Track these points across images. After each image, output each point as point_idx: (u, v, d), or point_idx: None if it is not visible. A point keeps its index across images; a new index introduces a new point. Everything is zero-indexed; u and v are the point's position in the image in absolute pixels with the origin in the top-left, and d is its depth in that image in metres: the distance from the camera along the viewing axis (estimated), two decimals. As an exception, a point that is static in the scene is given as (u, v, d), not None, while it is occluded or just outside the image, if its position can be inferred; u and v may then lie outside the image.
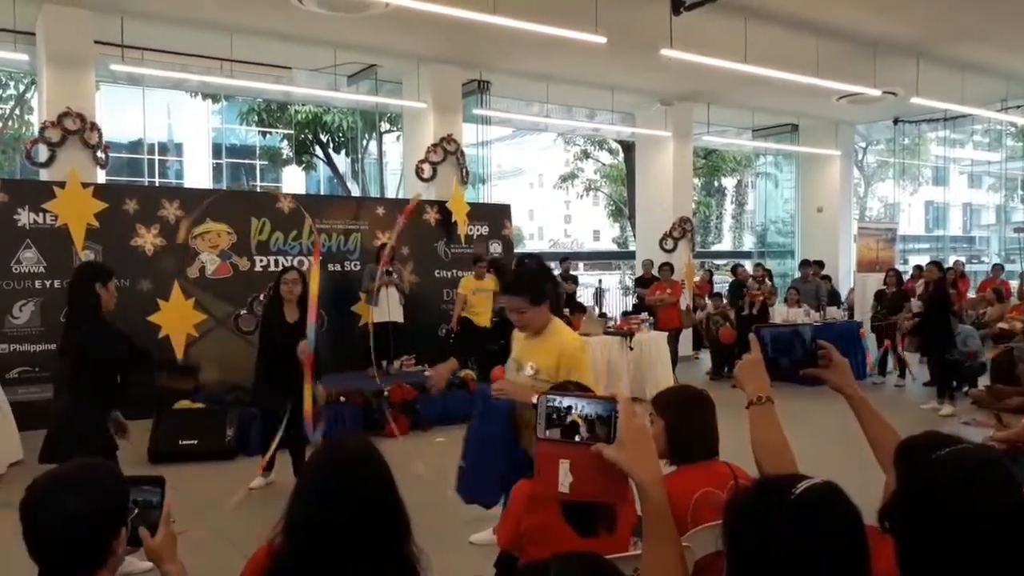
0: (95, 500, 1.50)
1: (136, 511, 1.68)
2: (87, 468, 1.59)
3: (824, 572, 1.10)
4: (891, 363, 10.31)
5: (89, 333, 4.05)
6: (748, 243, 26.11)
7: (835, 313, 11.12)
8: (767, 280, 11.25)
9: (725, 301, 11.20)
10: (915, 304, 9.61)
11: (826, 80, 9.91)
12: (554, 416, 1.29)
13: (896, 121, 15.06)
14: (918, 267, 13.05)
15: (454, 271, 10.36)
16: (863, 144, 22.01)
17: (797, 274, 12.94)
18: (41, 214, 7.88)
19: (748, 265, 13.96)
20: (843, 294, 13.46)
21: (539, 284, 3.25)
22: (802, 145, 15.74)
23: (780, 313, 10.63)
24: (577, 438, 1.28)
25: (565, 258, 12.97)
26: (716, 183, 27.00)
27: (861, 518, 1.14)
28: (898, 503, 1.21)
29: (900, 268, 12.34)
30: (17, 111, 16.29)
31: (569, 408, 1.29)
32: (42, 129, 8.23)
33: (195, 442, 6.51)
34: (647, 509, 1.31)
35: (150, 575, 3.68)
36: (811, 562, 1.09)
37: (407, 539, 1.73)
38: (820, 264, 12.45)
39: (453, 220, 10.47)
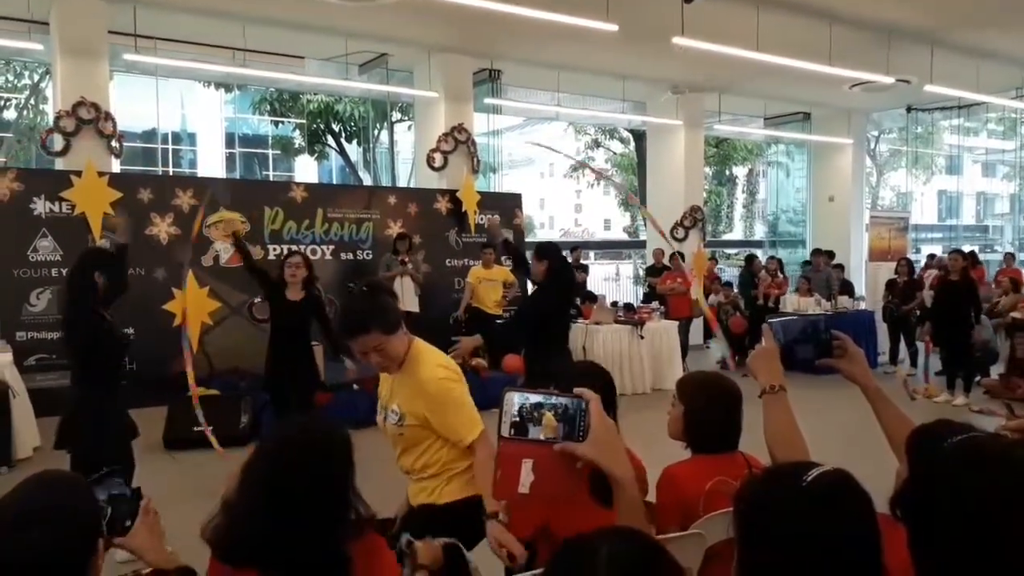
0: (62, 526, 1.36)
1: (109, 510, 1.64)
2: (47, 491, 1.44)
3: (836, 559, 1.10)
4: (902, 352, 10.29)
5: (77, 321, 4.06)
6: (759, 232, 25.98)
7: (846, 303, 11.09)
8: (780, 273, 11.21)
9: (736, 291, 11.19)
10: (926, 295, 9.56)
11: (839, 68, 9.84)
12: (519, 414, 1.26)
13: (909, 109, 14.93)
14: (931, 256, 12.99)
15: (465, 260, 10.38)
16: (875, 133, 21.83)
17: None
18: (57, 203, 7.95)
19: (760, 254, 13.91)
20: (857, 284, 13.38)
21: (384, 307, 2.60)
22: (814, 134, 15.64)
23: (791, 302, 10.61)
24: (542, 436, 1.26)
25: (576, 247, 12.96)
26: (727, 172, 26.81)
27: (873, 505, 1.14)
28: (909, 491, 1.22)
29: (912, 257, 12.28)
30: (32, 101, 16.37)
31: (535, 405, 1.26)
32: (57, 118, 8.28)
33: (209, 428, 6.56)
34: (623, 505, 1.32)
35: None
36: (823, 549, 1.09)
37: (337, 536, 1.68)
38: (830, 254, 12.41)
39: (464, 209, 10.49)
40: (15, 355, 6.88)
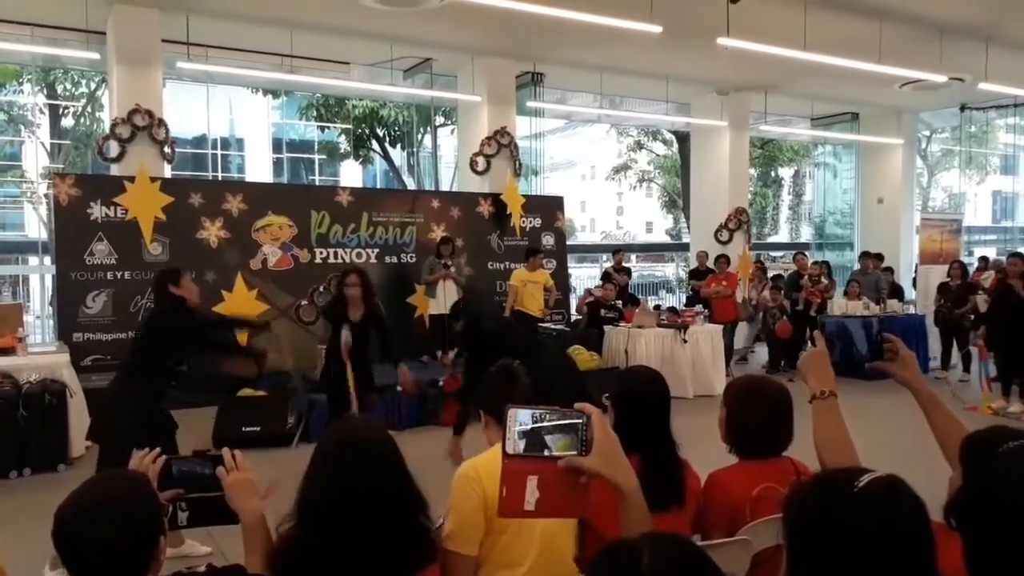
0: (126, 522, 1.45)
1: (171, 508, 1.71)
2: (112, 488, 1.54)
3: (888, 566, 1.07)
4: (954, 357, 10.03)
5: (161, 314, 4.46)
6: (806, 234, 25.56)
7: (896, 306, 10.85)
8: (823, 278, 10.98)
9: (782, 292, 11.01)
10: (981, 299, 9.31)
11: (889, 67, 9.63)
12: (522, 431, 1.25)
13: (963, 108, 14.56)
14: (983, 259, 12.65)
15: (507, 263, 10.42)
16: (927, 132, 21.32)
17: (856, 266, 12.66)
18: (112, 208, 8.18)
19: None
20: (906, 288, 13.09)
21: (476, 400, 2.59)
22: (863, 134, 15.34)
23: (839, 306, 10.41)
24: (546, 452, 1.25)
25: (618, 250, 12.90)
26: (773, 173, 26.44)
27: (927, 512, 1.12)
28: (963, 498, 1.20)
29: (965, 260, 11.97)
30: (89, 108, 16.86)
31: (538, 421, 1.26)
32: (113, 126, 8.53)
33: (258, 428, 6.70)
34: (632, 515, 1.31)
35: (209, 559, 3.81)
36: (875, 556, 1.07)
37: (418, 517, 1.75)
38: (880, 257, 12.17)
39: (507, 212, 10.53)
40: (71, 356, 7.08)
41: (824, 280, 10.96)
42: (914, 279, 13.32)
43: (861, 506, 1.10)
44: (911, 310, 11.29)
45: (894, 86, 11.73)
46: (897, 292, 11.76)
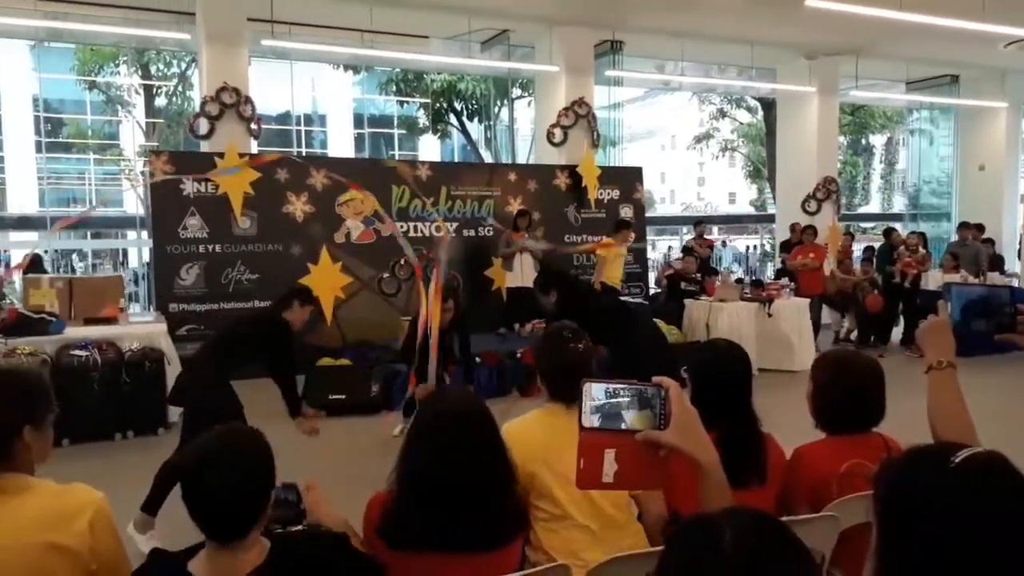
0: (247, 471, 1.56)
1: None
2: (234, 438, 1.63)
3: (985, 546, 1.00)
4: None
5: (274, 322, 4.55)
6: (898, 205, 24.52)
7: (997, 279, 10.30)
8: (920, 248, 10.49)
9: (874, 265, 10.59)
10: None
11: (992, 24, 9.07)
12: (598, 404, 1.26)
13: (1075, 67, 13.61)
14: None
15: (584, 236, 10.35)
16: (1035, 94, 19.97)
17: (953, 238, 12.06)
18: (204, 183, 8.49)
19: (899, 227, 13.13)
20: (1010, 260, 12.41)
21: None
22: (963, 97, 14.51)
23: (935, 279, 9.96)
24: (622, 426, 1.25)
25: (699, 222, 12.66)
26: (864, 141, 25.41)
27: None
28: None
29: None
30: (180, 87, 17.53)
31: (614, 395, 1.26)
32: (203, 104, 8.83)
33: (343, 397, 6.91)
34: (711, 490, 1.30)
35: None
36: (971, 536, 1.00)
37: (512, 485, 1.81)
38: (980, 227, 11.55)
39: (583, 185, 10.44)
40: (168, 325, 7.41)
41: (922, 249, 10.48)
42: (1019, 251, 12.64)
43: (957, 483, 1.03)
44: (1014, 283, 10.70)
45: (998, 45, 11.08)
46: (998, 264, 11.15)
